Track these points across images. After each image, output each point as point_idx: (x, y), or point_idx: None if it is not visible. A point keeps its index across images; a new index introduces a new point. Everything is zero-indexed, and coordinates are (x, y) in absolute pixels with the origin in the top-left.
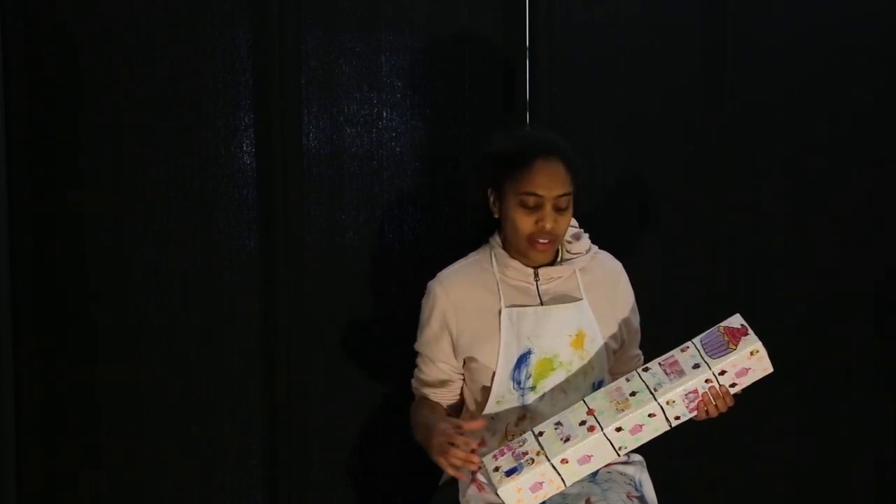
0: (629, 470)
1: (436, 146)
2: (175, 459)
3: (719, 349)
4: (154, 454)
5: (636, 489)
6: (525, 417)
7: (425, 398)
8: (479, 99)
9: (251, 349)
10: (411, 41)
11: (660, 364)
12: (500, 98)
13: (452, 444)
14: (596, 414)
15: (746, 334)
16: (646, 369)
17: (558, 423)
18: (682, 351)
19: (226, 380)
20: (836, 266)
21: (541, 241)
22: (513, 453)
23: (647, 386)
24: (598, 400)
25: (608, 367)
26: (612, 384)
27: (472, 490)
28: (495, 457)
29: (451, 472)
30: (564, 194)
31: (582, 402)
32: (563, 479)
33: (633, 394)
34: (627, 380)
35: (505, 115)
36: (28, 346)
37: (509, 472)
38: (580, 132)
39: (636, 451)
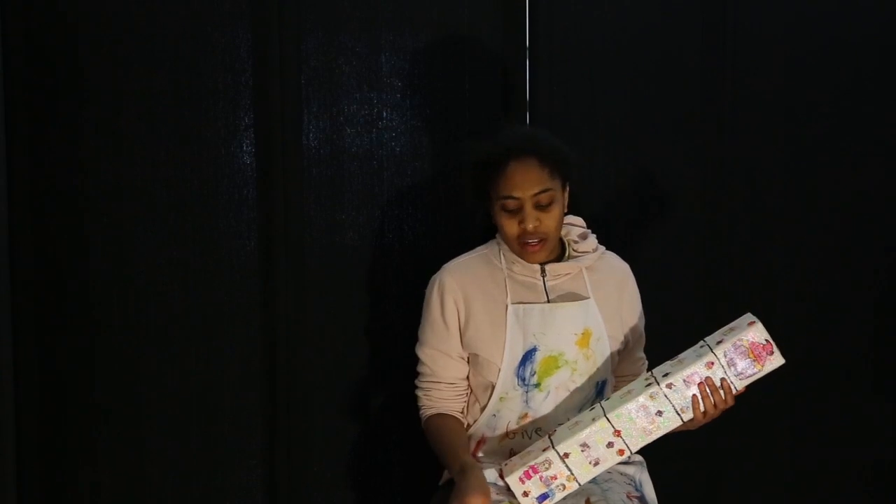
0: (629, 470)
1: (436, 146)
2: (175, 459)
3: (745, 367)
4: (154, 454)
5: (636, 489)
6: (527, 416)
7: (445, 416)
8: (479, 99)
9: (251, 349)
10: (411, 41)
11: (685, 381)
12: (500, 98)
13: None
14: (624, 436)
15: (772, 353)
16: (669, 385)
17: (584, 445)
18: (707, 367)
19: (226, 380)
20: (836, 264)
21: (529, 241)
22: (540, 477)
23: (673, 406)
24: (623, 419)
25: (612, 368)
26: (636, 400)
27: None
28: (521, 480)
29: None
30: (542, 191)
31: (605, 419)
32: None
33: (659, 413)
34: (652, 397)
35: (505, 115)
36: (28, 346)
37: (541, 499)
38: (581, 132)
39: (637, 451)
